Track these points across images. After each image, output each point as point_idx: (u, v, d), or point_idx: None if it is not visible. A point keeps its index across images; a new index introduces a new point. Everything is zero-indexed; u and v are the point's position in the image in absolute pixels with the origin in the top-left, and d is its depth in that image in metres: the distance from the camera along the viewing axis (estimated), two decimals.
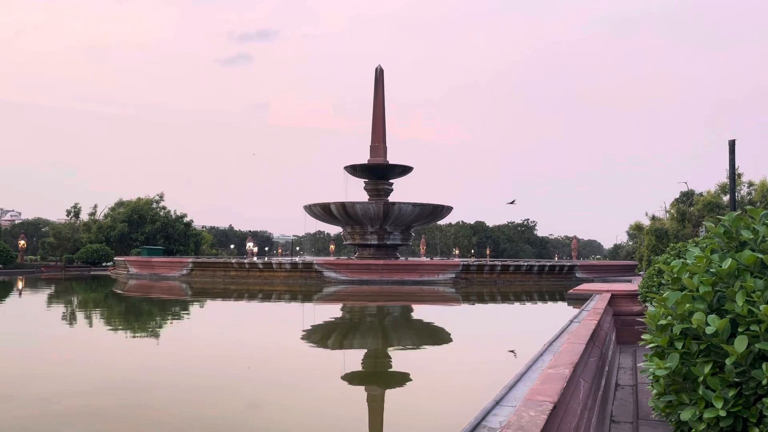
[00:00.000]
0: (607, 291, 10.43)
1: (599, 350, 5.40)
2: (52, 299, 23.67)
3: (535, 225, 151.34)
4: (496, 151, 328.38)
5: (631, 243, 78.73)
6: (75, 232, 63.45)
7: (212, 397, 6.86)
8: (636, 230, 52.00)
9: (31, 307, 20.58)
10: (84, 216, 66.19)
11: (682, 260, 2.77)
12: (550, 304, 22.72)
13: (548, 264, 36.45)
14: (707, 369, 2.27)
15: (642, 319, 2.94)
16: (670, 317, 2.49)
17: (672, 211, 46.71)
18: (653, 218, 47.95)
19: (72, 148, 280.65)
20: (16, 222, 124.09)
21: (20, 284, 32.10)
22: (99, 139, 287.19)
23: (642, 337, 2.69)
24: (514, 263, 35.17)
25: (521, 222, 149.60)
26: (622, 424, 4.98)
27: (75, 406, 6.33)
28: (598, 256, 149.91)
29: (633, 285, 13.43)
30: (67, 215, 66.74)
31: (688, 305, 2.42)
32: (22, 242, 56.27)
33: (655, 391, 2.50)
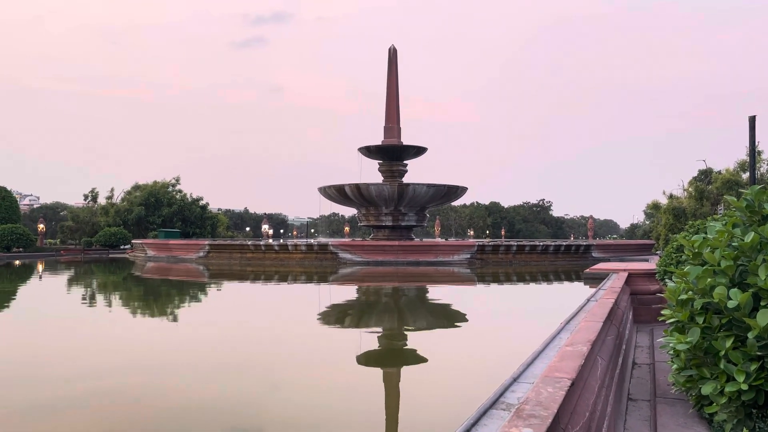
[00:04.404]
0: (624, 270, 10.36)
1: (616, 329, 5.37)
2: (71, 282, 24.02)
3: (550, 205, 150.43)
4: (511, 130, 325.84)
5: (648, 222, 78.05)
6: (93, 215, 64.16)
7: (231, 377, 6.94)
8: (653, 209, 51.52)
9: (52, 290, 20.89)
10: (101, 200, 66.93)
11: (702, 235, 2.73)
12: (566, 283, 22.64)
13: (564, 244, 36.26)
14: (729, 343, 2.24)
15: (662, 296, 2.91)
16: (690, 292, 2.46)
17: (690, 189, 46.16)
18: (671, 197, 47.43)
19: (89, 132, 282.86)
20: (35, 206, 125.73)
21: (40, 267, 32.59)
22: (115, 122, 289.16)
23: (662, 312, 2.66)
24: (529, 243, 35.03)
25: (537, 202, 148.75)
26: (640, 402, 4.96)
27: (95, 387, 6.44)
28: (615, 236, 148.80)
29: (650, 264, 13.32)
30: (85, 199, 67.47)
31: (709, 280, 2.39)
32: (41, 226, 56.97)
33: (675, 366, 2.48)
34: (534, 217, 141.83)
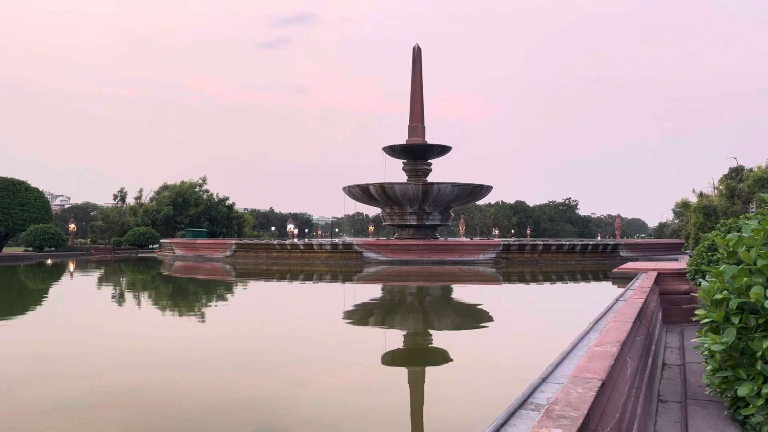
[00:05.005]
0: (653, 270, 10.19)
1: (646, 329, 5.29)
2: (101, 280, 24.47)
3: (576, 204, 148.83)
4: (536, 128, 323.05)
5: (677, 221, 76.75)
6: (122, 215, 65.32)
7: (257, 375, 7.00)
8: (682, 208, 50.63)
9: (83, 288, 21.31)
10: (130, 200, 68.09)
11: (737, 233, 2.66)
12: (593, 283, 22.36)
13: (591, 243, 35.83)
14: (766, 344, 2.18)
15: (693, 296, 2.85)
16: (726, 291, 2.41)
17: (720, 187, 45.25)
18: (701, 195, 46.56)
19: (117, 133, 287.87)
20: (66, 207, 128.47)
21: (71, 266, 33.26)
22: (143, 124, 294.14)
23: (695, 312, 2.61)
24: (555, 242, 34.70)
25: (563, 201, 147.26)
26: (670, 404, 4.87)
27: (124, 384, 6.55)
28: (643, 235, 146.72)
29: (680, 263, 13.09)
30: (114, 199, 68.70)
31: (745, 279, 2.33)
32: (72, 226, 58.13)
33: (709, 367, 2.42)
34: (560, 216, 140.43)
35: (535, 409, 2.25)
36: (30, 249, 45.95)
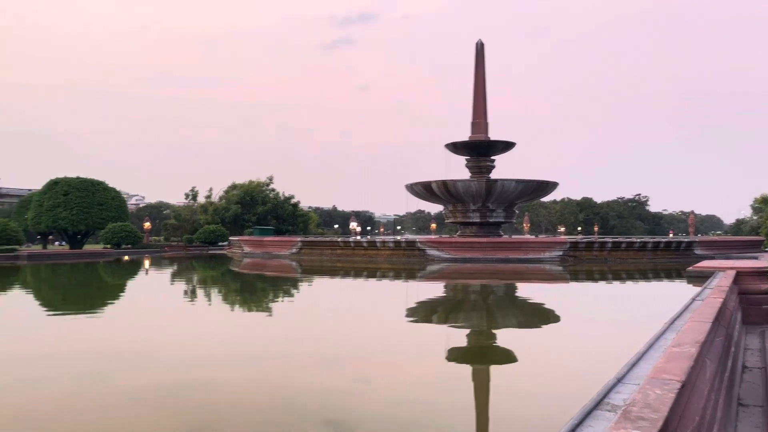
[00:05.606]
0: (731, 268, 9.74)
1: (725, 330, 5.09)
2: (174, 276, 25.51)
3: (647, 200, 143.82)
4: (603, 122, 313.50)
5: (755, 217, 72.85)
6: (193, 213, 67.77)
7: (322, 369, 7.14)
8: (762, 203, 48.08)
9: (160, 284, 22.33)
10: (200, 198, 70.52)
11: None
12: (666, 282, 21.56)
13: (664, 240, 34.52)
14: None
15: None
16: None
17: None
18: None
19: (188, 133, 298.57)
20: (141, 205, 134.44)
21: (146, 263, 34.81)
22: (212, 124, 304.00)
23: None
24: (626, 240, 33.62)
25: (632, 197, 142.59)
26: (751, 408, 4.68)
27: (199, 377, 6.83)
28: (719, 232, 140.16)
29: (760, 262, 12.46)
30: (186, 198, 71.37)
31: None
32: (147, 224, 60.71)
33: None
34: (629, 213, 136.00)
35: (611, 410, 2.22)
36: (108, 246, 48.33)
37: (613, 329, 10.43)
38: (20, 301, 16.46)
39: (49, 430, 4.96)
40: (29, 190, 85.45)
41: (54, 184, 52.30)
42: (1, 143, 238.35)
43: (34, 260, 35.96)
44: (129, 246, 48.53)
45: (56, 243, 72.19)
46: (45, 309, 14.40)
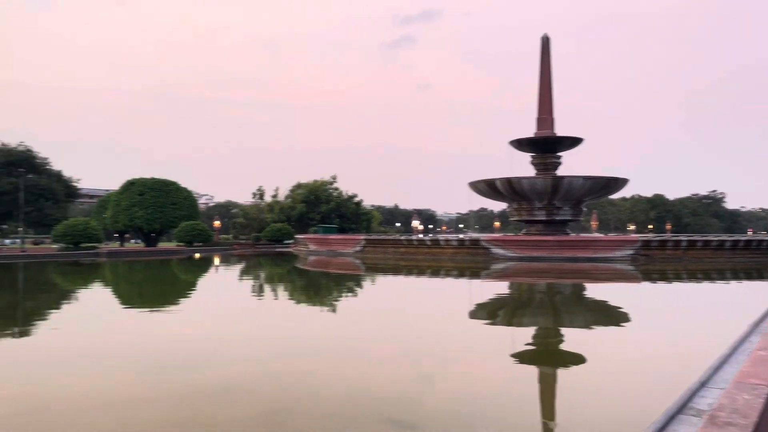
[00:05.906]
0: None
1: None
2: (243, 273, 26.26)
3: (723, 197, 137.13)
4: (673, 116, 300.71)
5: None
6: (260, 212, 69.58)
7: (386, 367, 7.19)
8: None
9: (231, 280, 23.05)
10: (267, 198, 72.32)
11: None
12: (746, 282, 20.50)
13: (744, 239, 32.83)
14: None
15: None
16: None
17: None
18: None
19: (254, 135, 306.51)
20: (210, 204, 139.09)
21: (216, 260, 35.99)
22: (276, 125, 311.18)
23: None
24: (702, 238, 32.21)
25: (707, 194, 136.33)
26: None
27: (262, 371, 7.02)
28: None
29: None
30: (253, 197, 73.39)
31: None
32: (217, 223, 62.87)
33: None
34: (704, 210, 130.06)
35: (696, 414, 2.14)
36: (181, 244, 50.26)
37: (691, 331, 9.98)
38: (104, 297, 17.35)
39: (129, 417, 5.21)
40: (107, 190, 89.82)
41: (130, 185, 54.87)
42: (84, 145, 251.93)
43: (113, 257, 37.84)
44: (200, 244, 50.27)
45: (132, 241, 75.70)
46: (123, 305, 15.13)
